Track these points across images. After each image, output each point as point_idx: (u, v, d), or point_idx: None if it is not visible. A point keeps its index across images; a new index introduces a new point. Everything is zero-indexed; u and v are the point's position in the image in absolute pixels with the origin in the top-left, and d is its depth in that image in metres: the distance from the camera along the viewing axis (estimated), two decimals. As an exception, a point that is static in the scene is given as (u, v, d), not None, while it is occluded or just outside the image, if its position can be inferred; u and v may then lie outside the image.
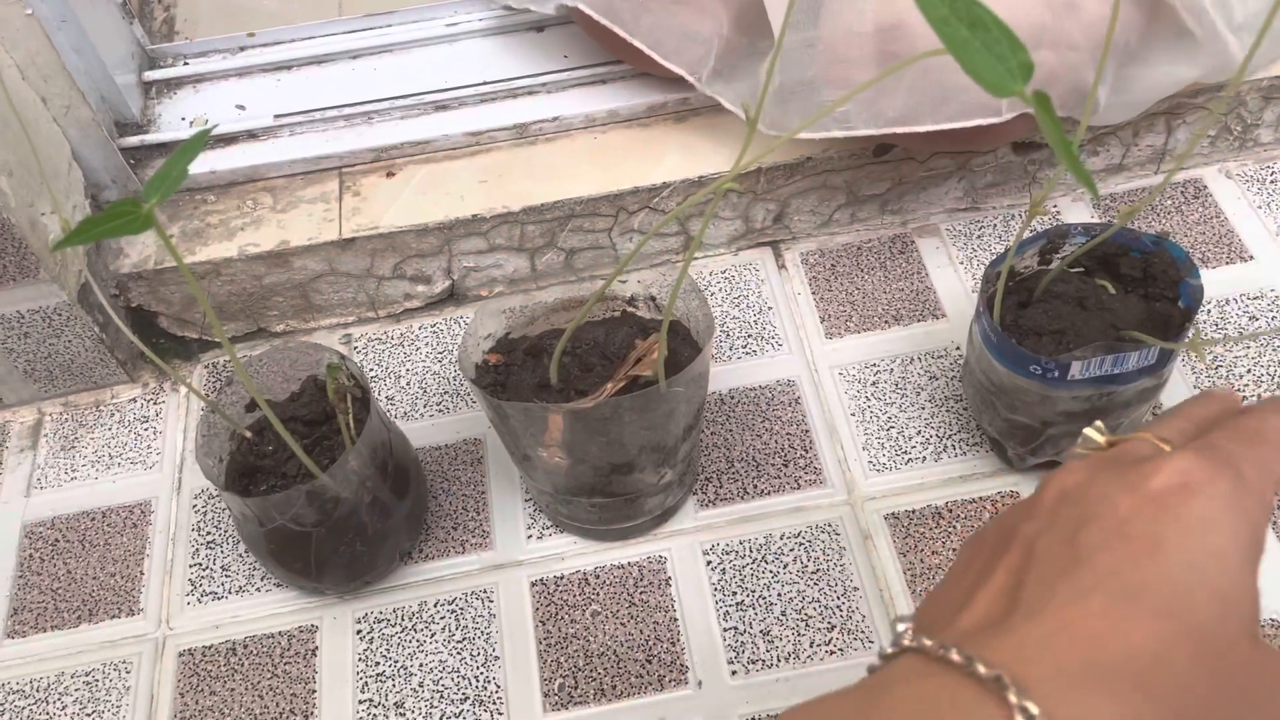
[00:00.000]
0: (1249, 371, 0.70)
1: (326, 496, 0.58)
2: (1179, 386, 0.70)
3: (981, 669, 0.27)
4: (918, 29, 0.64)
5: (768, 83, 0.46)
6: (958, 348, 0.74)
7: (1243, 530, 0.30)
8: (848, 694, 0.29)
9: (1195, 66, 0.70)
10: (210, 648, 0.65)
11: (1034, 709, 0.25)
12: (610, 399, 0.56)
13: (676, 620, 0.64)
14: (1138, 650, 0.27)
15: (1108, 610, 0.28)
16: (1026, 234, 0.61)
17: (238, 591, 0.67)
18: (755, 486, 0.68)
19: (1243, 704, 0.28)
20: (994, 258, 0.62)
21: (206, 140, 0.45)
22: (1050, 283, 0.62)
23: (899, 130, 0.67)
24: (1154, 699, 0.26)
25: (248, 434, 0.61)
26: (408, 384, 0.76)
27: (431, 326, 0.79)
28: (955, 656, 0.27)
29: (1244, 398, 0.69)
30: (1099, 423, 0.35)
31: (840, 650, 0.62)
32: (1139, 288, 0.62)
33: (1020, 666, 0.27)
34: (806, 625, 0.63)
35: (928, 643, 0.29)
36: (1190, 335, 0.58)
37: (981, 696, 0.26)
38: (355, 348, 0.78)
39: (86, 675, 0.65)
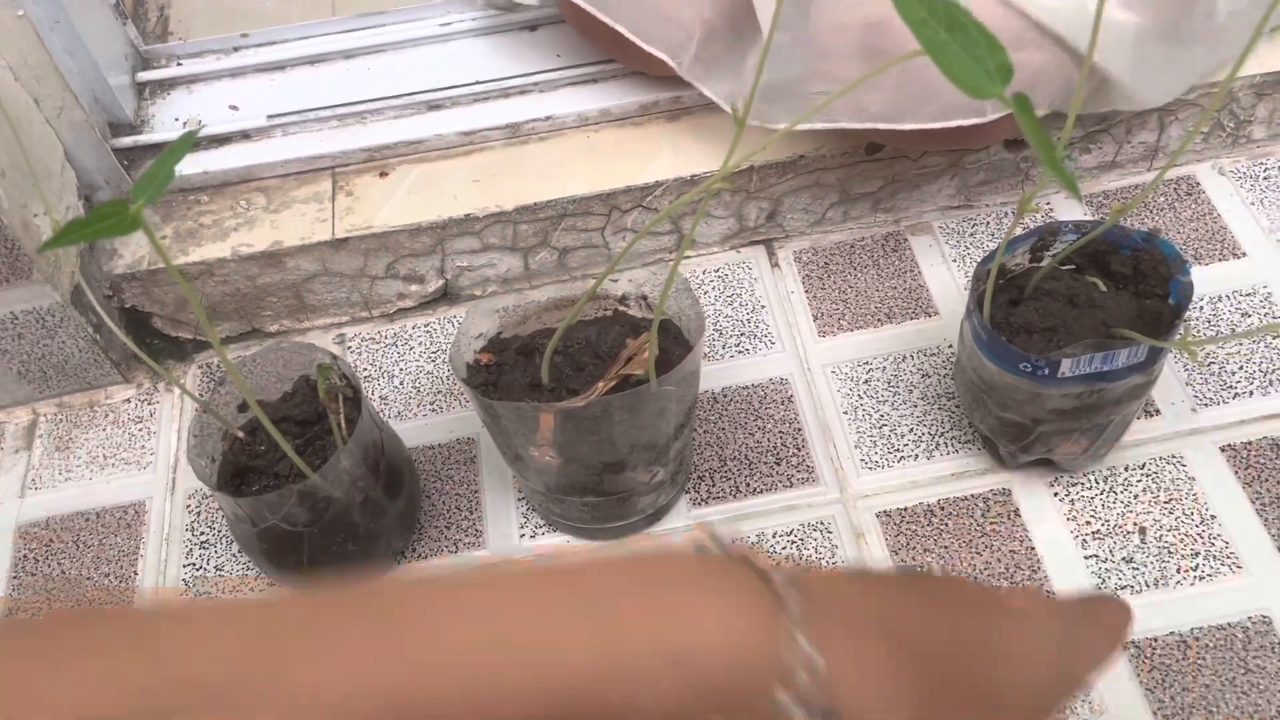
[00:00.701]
0: (1241, 369, 0.70)
1: (319, 496, 0.58)
2: (1170, 383, 0.70)
3: (790, 599, 0.26)
4: (904, 25, 0.64)
5: (758, 78, 0.46)
6: (950, 345, 0.74)
7: (1059, 661, 0.32)
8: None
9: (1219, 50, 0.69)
10: (204, 647, 0.65)
11: (794, 606, 0.26)
12: (601, 398, 0.56)
13: (669, 618, 0.64)
14: (926, 638, 0.29)
15: (921, 612, 0.30)
16: (1017, 231, 0.61)
17: (231, 592, 0.67)
18: (748, 485, 0.68)
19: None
20: (986, 255, 0.62)
21: (193, 141, 0.45)
22: (1041, 280, 0.62)
23: (881, 126, 0.67)
24: (915, 670, 0.27)
25: (240, 434, 0.62)
26: (401, 383, 0.76)
27: (425, 326, 0.79)
28: (776, 579, 0.27)
29: (1169, 341, 0.69)
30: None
31: (832, 648, 0.62)
32: (1130, 285, 0.62)
33: (820, 592, 0.27)
34: (799, 623, 0.63)
35: (763, 568, 0.28)
36: (1180, 332, 0.58)
37: (767, 597, 0.26)
38: (349, 347, 0.78)
39: (81, 675, 0.65)
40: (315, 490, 0.57)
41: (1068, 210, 0.80)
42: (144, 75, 0.82)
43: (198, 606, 0.22)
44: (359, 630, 0.22)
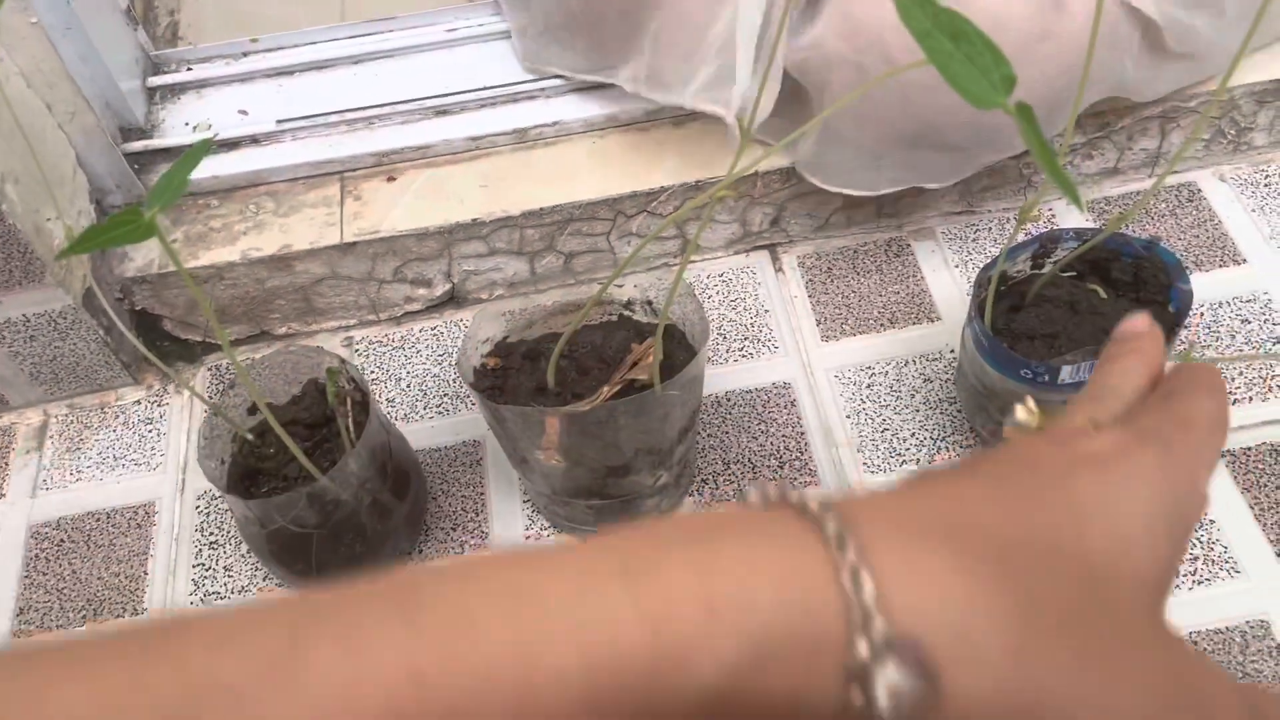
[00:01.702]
0: (1240, 375, 0.71)
1: (327, 498, 0.58)
2: (1171, 389, 0.71)
3: (827, 521, 0.24)
4: None
5: (762, 88, 0.46)
6: (952, 350, 0.74)
7: (1165, 494, 0.28)
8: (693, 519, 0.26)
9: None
10: (213, 647, 0.66)
11: (849, 542, 0.23)
12: (606, 403, 0.57)
13: (673, 620, 0.64)
14: (1001, 531, 0.25)
15: (984, 497, 0.26)
16: (1019, 239, 0.61)
17: (240, 591, 0.68)
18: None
19: (1127, 654, 0.24)
20: (988, 261, 0.63)
21: (208, 150, 0.46)
22: (1042, 287, 0.63)
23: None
24: (1003, 575, 0.24)
25: (249, 436, 0.62)
26: (408, 386, 0.77)
27: (432, 329, 0.80)
28: (812, 505, 0.24)
29: (1168, 353, 0.70)
30: (1030, 400, 0.33)
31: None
32: (1130, 292, 0.62)
33: (859, 512, 0.24)
34: (801, 625, 0.63)
35: (798, 500, 0.26)
36: (1180, 341, 0.58)
37: (805, 529, 0.24)
38: (356, 350, 0.79)
39: (91, 674, 0.65)
40: (324, 492, 0.58)
41: (1069, 217, 0.81)
42: (154, 80, 0.82)
43: (220, 610, 0.23)
44: (385, 618, 0.21)
